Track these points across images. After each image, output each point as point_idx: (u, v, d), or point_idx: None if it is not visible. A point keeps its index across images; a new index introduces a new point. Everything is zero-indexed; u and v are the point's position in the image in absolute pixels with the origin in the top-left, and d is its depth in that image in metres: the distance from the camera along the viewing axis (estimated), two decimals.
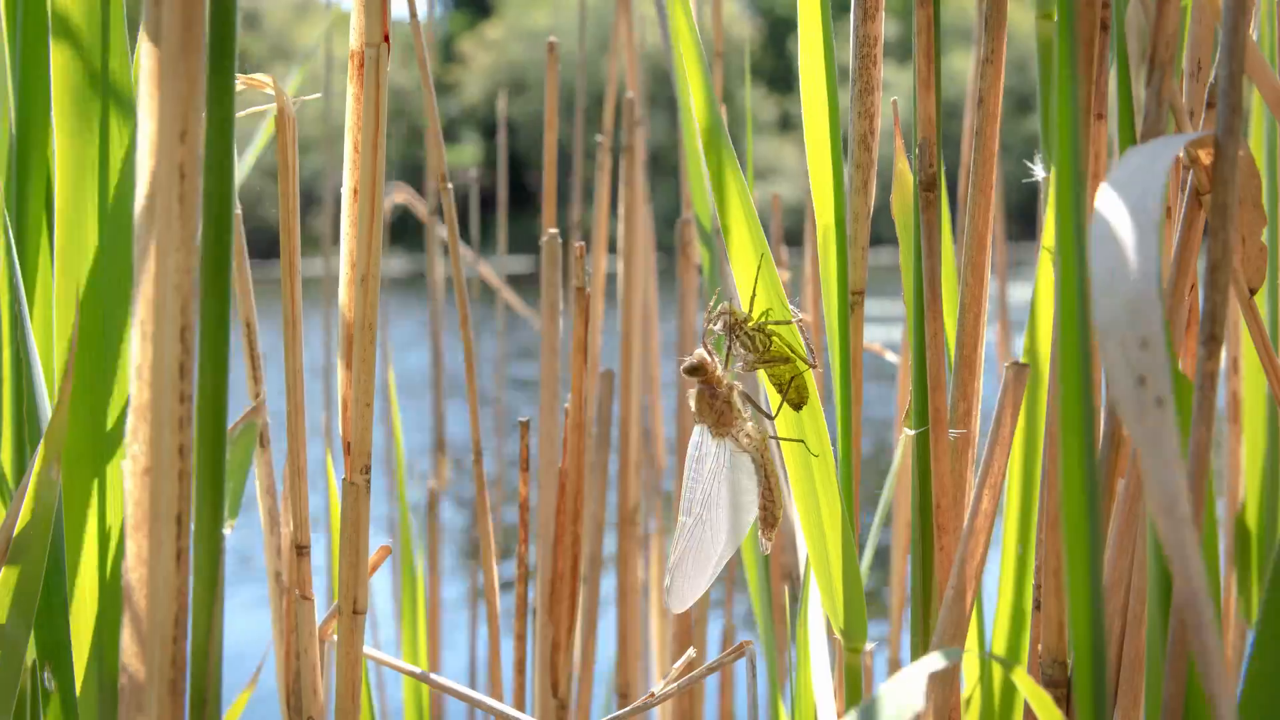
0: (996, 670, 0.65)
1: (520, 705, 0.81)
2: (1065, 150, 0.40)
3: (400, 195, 2.02)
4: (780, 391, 0.66)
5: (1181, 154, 0.51)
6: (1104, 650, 0.39)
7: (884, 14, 0.65)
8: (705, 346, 0.68)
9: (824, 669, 0.67)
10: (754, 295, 0.64)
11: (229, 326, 0.42)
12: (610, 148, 1.41)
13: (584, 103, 1.72)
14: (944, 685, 0.58)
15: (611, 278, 1.46)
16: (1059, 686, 0.54)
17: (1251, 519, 1.00)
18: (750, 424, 0.68)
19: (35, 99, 0.66)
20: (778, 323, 0.65)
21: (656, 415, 1.59)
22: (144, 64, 0.38)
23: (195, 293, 0.38)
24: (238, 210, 0.66)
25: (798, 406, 0.65)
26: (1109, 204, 0.40)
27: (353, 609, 0.61)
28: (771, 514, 0.68)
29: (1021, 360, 0.61)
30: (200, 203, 0.38)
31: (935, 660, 0.45)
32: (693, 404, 0.68)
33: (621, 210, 1.29)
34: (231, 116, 0.41)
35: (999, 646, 0.65)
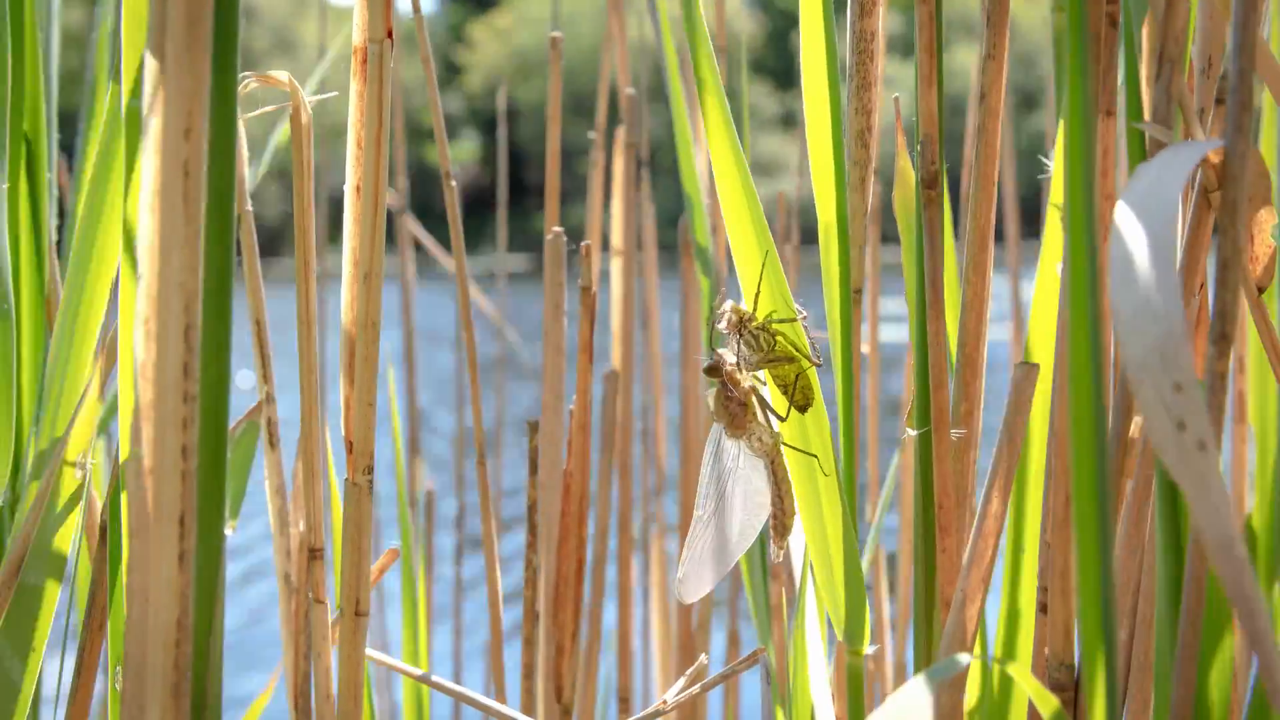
0: (999, 675, 0.64)
1: (528, 710, 0.81)
2: (1075, 145, 0.40)
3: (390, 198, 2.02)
4: (785, 393, 0.65)
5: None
6: (1115, 655, 0.39)
7: (885, 10, 0.64)
8: (714, 348, 0.67)
9: (820, 672, 0.66)
10: (758, 293, 0.63)
11: (230, 324, 0.42)
12: (604, 144, 1.40)
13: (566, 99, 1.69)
14: (951, 691, 0.58)
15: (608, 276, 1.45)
16: (1065, 690, 0.54)
17: (1260, 522, 0.99)
18: (764, 429, 0.67)
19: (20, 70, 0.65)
20: (781, 321, 0.64)
21: (659, 416, 1.58)
22: (148, 61, 0.37)
23: (199, 291, 0.37)
24: (249, 207, 0.66)
25: (803, 409, 0.64)
26: (1125, 233, 0.39)
27: (355, 611, 0.61)
28: (783, 522, 0.67)
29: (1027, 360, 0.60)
30: (205, 201, 0.38)
31: (940, 670, 0.44)
32: (710, 403, 0.67)
33: (616, 207, 1.28)
34: (234, 114, 0.41)
35: (1000, 651, 0.64)
